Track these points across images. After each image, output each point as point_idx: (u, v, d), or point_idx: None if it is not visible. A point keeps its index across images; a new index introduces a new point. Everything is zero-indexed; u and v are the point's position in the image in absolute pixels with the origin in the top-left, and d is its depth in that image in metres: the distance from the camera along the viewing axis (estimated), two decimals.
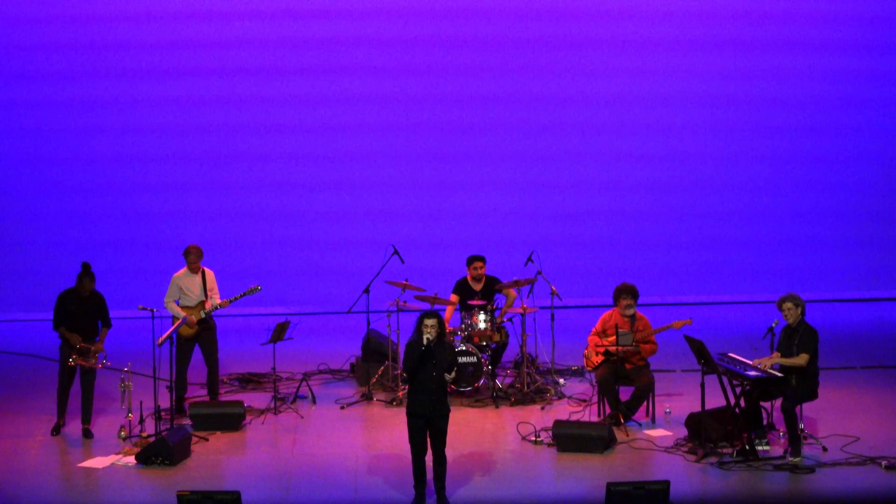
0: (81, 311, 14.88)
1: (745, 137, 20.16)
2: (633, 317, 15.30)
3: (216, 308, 15.77)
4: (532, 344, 16.82)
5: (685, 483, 13.38)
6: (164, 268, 17.10)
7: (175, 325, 15.26)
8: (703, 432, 14.17)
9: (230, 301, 15.77)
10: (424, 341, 12.89)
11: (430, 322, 12.96)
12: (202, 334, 15.81)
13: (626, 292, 15.29)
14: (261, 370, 17.02)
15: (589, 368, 15.53)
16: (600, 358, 15.28)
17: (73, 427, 15.05)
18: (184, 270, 15.84)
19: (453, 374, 13.08)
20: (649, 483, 12.50)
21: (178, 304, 15.76)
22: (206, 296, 15.77)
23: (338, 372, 17.27)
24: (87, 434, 14.91)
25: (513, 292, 16.72)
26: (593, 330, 15.51)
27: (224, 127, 19.91)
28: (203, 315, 15.71)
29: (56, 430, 15.01)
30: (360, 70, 19.87)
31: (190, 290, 15.75)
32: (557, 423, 14.60)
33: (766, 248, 20.36)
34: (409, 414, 13.06)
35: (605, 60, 19.94)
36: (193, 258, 15.78)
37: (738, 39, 19.96)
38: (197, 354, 15.87)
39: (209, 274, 15.90)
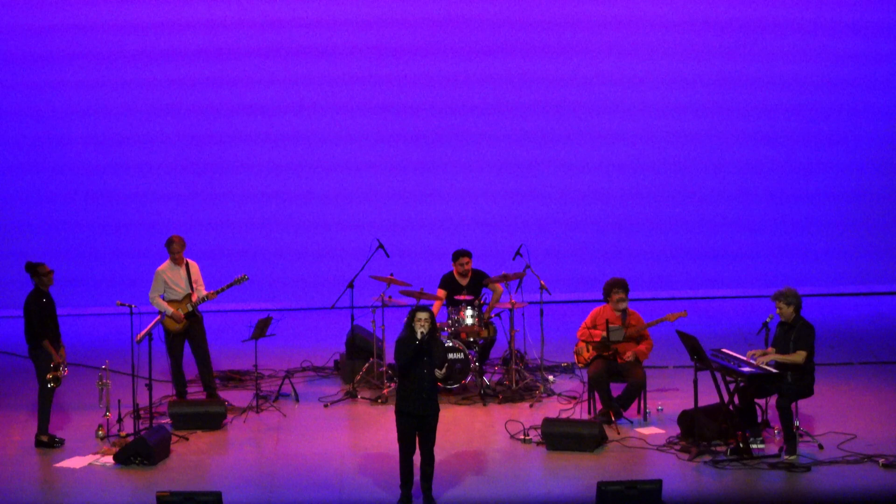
0: (49, 312, 14.48)
1: (738, 140, 20.11)
2: (624, 311, 15.13)
3: (203, 300, 15.60)
4: (521, 340, 16.75)
5: (678, 482, 13.30)
6: (141, 266, 16.93)
7: (154, 321, 15.06)
8: (696, 430, 14.10)
9: (217, 292, 15.62)
10: (418, 335, 12.68)
11: (422, 315, 12.76)
12: (191, 328, 15.62)
13: (618, 286, 15.15)
14: (242, 367, 16.91)
15: (580, 365, 15.33)
16: (593, 353, 15.10)
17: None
18: (167, 263, 15.64)
19: (444, 370, 12.91)
20: (641, 482, 12.43)
21: (163, 299, 15.55)
22: (191, 288, 15.58)
23: (321, 369, 17.16)
24: (53, 442, 14.49)
25: (499, 287, 16.59)
26: (582, 325, 15.34)
27: (210, 132, 19.82)
28: (190, 308, 15.52)
29: (51, 444, 14.45)
30: (348, 78, 19.81)
31: (175, 283, 15.56)
32: (547, 421, 14.47)
33: (762, 243, 20.33)
34: (399, 413, 12.87)
35: (593, 67, 19.89)
36: (177, 247, 15.55)
37: (728, 45, 19.91)
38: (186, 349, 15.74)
39: (193, 266, 15.70)
